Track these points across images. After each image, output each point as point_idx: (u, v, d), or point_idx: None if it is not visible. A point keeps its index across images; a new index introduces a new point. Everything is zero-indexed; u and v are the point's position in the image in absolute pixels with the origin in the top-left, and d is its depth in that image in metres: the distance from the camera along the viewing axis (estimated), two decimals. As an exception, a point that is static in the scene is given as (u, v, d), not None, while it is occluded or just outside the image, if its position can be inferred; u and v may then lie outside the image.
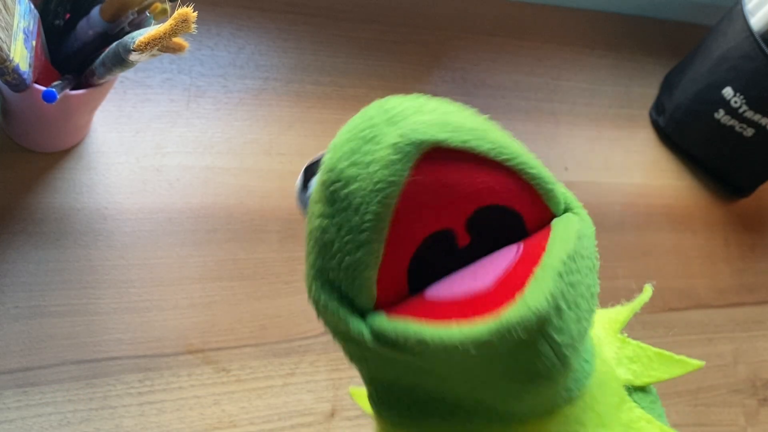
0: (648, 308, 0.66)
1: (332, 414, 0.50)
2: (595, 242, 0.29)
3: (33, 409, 0.44)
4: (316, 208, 0.28)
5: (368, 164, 0.26)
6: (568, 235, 0.27)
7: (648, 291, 0.37)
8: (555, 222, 0.29)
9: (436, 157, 0.26)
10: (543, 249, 0.27)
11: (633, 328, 0.38)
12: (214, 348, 0.49)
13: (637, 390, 0.34)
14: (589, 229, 0.29)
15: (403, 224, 0.26)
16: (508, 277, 0.26)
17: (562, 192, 0.30)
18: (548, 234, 0.28)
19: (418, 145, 0.25)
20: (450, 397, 0.29)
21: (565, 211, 0.30)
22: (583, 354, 0.31)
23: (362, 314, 0.28)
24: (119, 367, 0.46)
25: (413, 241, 0.27)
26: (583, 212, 0.30)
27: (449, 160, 0.27)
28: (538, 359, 0.26)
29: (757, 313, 0.71)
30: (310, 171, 0.31)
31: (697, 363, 0.34)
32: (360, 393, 0.44)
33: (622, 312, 0.37)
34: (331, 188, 0.27)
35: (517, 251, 0.28)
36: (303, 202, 0.31)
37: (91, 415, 0.45)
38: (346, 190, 0.26)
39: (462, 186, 0.27)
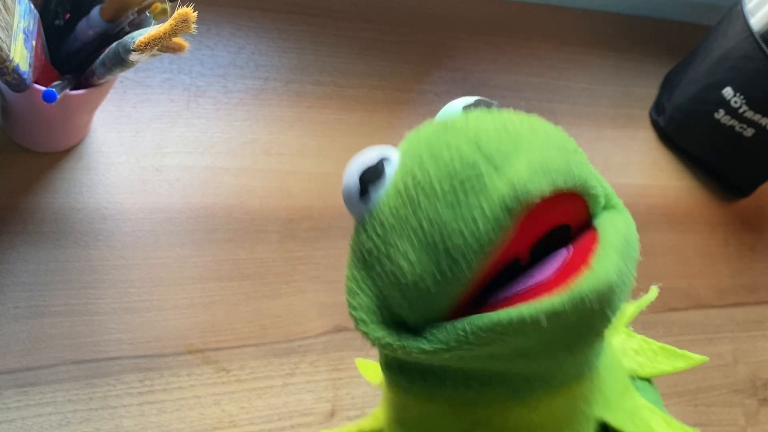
0: (648, 308, 0.66)
1: (332, 414, 0.50)
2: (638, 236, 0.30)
3: (33, 409, 0.44)
4: (400, 246, 0.27)
5: (475, 220, 0.25)
6: (618, 223, 0.28)
7: (654, 291, 0.37)
8: (599, 219, 0.30)
9: None
10: (594, 240, 0.28)
11: (633, 329, 0.38)
12: (214, 348, 0.49)
13: (641, 380, 0.35)
14: (632, 222, 0.30)
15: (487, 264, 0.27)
16: (567, 267, 0.27)
17: (603, 191, 0.30)
18: (593, 232, 0.29)
19: (528, 203, 0.25)
20: (467, 368, 0.29)
21: (605, 208, 0.31)
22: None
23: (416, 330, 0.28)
24: (119, 367, 0.46)
25: (490, 273, 0.27)
26: (623, 208, 0.31)
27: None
28: (585, 329, 0.26)
29: (757, 313, 0.71)
30: (366, 178, 0.29)
31: (700, 357, 0.35)
32: (365, 364, 0.44)
33: (627, 308, 0.38)
34: (432, 239, 0.26)
35: (568, 250, 0.28)
36: (359, 212, 0.30)
37: (91, 415, 0.45)
38: (448, 243, 0.26)
39: (537, 219, 0.27)
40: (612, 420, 0.31)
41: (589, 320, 0.26)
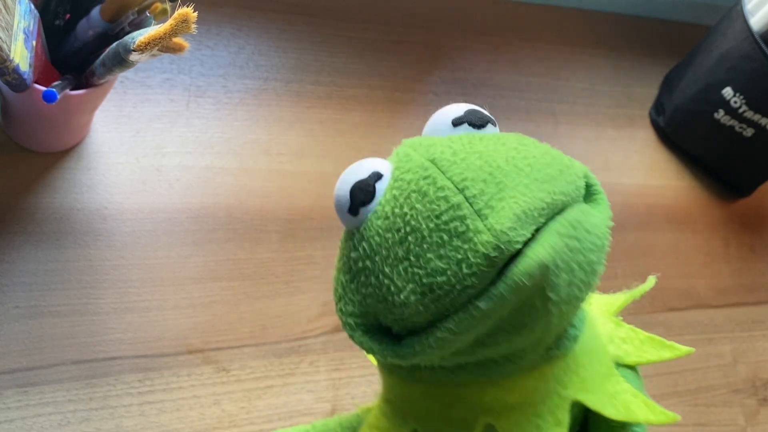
0: (648, 308, 0.66)
1: (332, 414, 0.50)
2: (608, 228, 0.30)
3: (33, 409, 0.44)
4: (386, 270, 0.29)
5: (459, 264, 0.27)
6: (574, 209, 0.28)
7: (651, 281, 0.38)
8: None
9: None
10: None
11: (623, 318, 0.38)
12: (214, 348, 0.49)
13: (626, 368, 0.35)
14: (602, 213, 0.30)
15: None
16: None
17: (582, 189, 0.31)
18: None
19: (510, 252, 0.26)
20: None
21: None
22: (570, 319, 0.32)
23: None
24: (119, 367, 0.46)
25: None
26: (601, 199, 0.31)
27: None
28: (528, 311, 0.27)
29: (757, 313, 0.71)
30: (356, 195, 0.30)
31: (686, 349, 0.35)
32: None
33: (619, 297, 0.38)
34: (418, 274, 0.28)
35: None
36: (348, 224, 0.31)
37: (91, 415, 0.45)
38: (434, 281, 0.27)
39: None
40: (589, 401, 0.32)
41: (528, 302, 0.27)
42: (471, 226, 0.27)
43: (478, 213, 0.27)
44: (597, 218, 0.29)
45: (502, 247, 0.26)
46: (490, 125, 0.32)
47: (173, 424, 0.46)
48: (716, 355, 0.66)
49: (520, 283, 0.26)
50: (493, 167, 0.28)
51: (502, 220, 0.26)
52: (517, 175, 0.28)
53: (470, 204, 0.27)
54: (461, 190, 0.27)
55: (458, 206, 0.27)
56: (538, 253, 0.26)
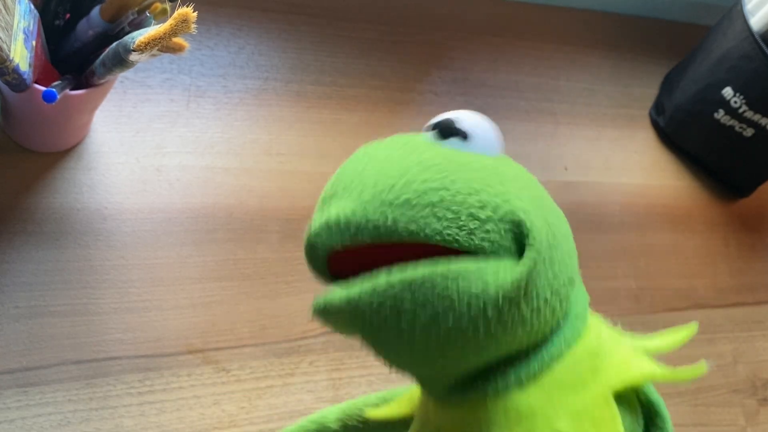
0: (648, 308, 0.66)
1: (332, 414, 0.50)
2: (496, 295, 0.27)
3: (33, 409, 0.44)
4: None
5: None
6: (429, 265, 0.28)
7: (693, 327, 0.34)
8: None
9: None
10: None
11: (633, 329, 0.37)
12: (214, 348, 0.49)
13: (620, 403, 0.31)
14: (497, 275, 0.27)
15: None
16: None
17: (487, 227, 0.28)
18: None
19: (319, 254, 0.31)
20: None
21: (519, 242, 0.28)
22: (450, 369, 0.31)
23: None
24: (119, 367, 0.46)
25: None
26: (525, 261, 0.27)
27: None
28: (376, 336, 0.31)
29: (757, 313, 0.71)
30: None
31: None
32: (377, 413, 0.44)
33: (656, 339, 0.35)
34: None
35: None
36: None
37: (91, 415, 0.45)
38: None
39: (385, 251, 0.29)
40: None
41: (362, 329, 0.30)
42: (313, 219, 0.31)
43: (320, 209, 0.31)
44: (474, 284, 0.27)
45: (310, 247, 0.30)
46: (454, 139, 0.31)
47: (173, 424, 0.46)
48: (716, 355, 0.66)
49: (322, 311, 0.31)
50: (362, 176, 0.30)
51: (314, 224, 0.30)
52: (371, 188, 0.29)
53: (326, 197, 0.31)
54: (334, 182, 0.32)
55: (324, 193, 0.32)
56: (333, 295, 0.30)
